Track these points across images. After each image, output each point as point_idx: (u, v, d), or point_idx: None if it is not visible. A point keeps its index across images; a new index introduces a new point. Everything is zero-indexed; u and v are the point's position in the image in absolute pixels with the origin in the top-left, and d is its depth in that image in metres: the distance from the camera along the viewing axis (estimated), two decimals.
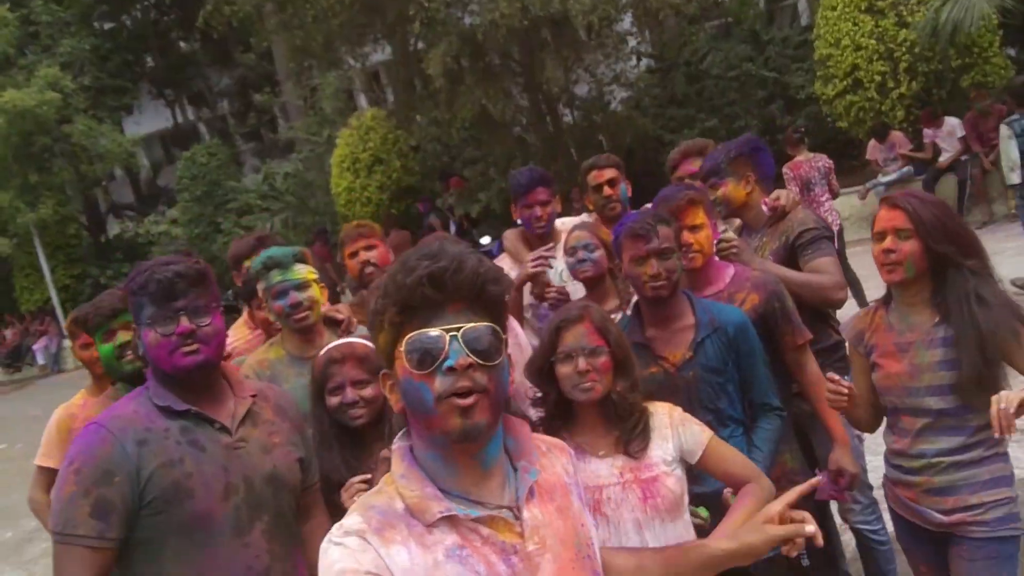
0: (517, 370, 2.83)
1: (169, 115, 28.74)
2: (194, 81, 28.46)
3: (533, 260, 3.64)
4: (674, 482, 2.42)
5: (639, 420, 2.46)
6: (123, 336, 3.19)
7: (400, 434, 1.56)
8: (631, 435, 2.44)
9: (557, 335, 2.47)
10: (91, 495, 2.12)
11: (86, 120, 22.02)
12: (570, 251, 3.53)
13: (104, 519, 2.12)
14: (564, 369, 2.44)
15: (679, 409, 2.53)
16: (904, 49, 12.68)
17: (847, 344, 2.94)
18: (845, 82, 13.23)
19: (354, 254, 3.87)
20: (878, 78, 12.87)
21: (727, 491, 2.62)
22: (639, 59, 17.35)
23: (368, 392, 2.58)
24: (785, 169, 10.95)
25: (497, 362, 1.46)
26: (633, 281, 2.89)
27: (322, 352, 2.70)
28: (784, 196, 3.49)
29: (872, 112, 13.06)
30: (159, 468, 2.18)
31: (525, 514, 1.50)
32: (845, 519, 3.66)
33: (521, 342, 3.31)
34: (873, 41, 12.84)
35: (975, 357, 2.49)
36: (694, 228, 3.05)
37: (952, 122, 12.21)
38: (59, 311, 22.00)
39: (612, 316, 3.28)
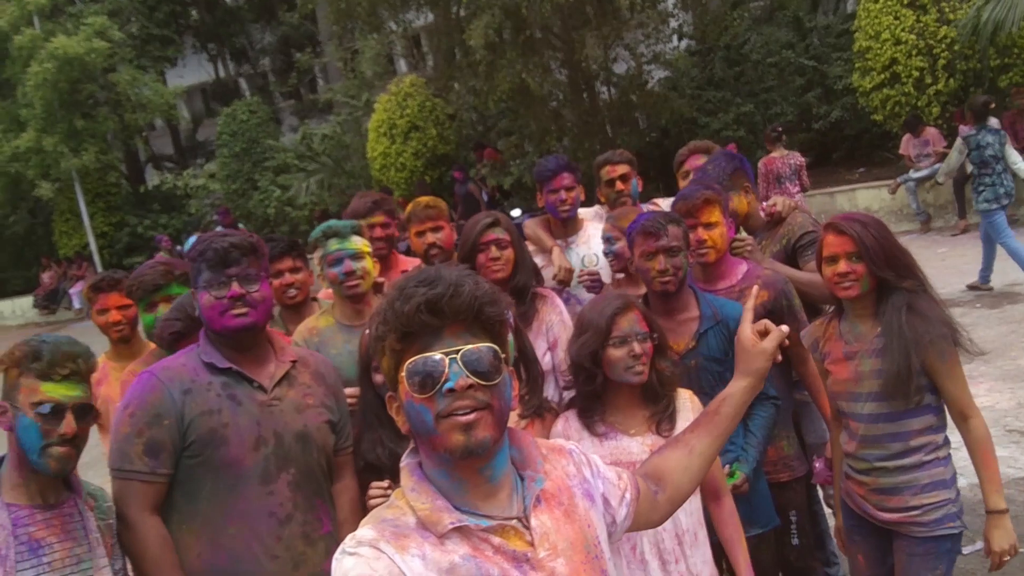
0: (561, 349, 3.23)
1: (211, 69, 29.07)
2: (237, 37, 28.71)
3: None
4: None
5: (670, 402, 2.68)
6: (164, 309, 3.23)
7: (409, 451, 1.60)
8: (663, 415, 2.65)
9: (612, 321, 2.63)
10: (143, 435, 2.44)
11: (131, 70, 22.36)
12: (606, 240, 3.79)
13: (155, 457, 2.44)
14: (617, 352, 2.61)
15: (696, 398, 2.74)
16: (944, 46, 12.68)
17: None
18: (883, 75, 13.24)
19: (421, 234, 3.95)
20: (916, 73, 12.87)
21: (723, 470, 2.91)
22: (680, 40, 17.36)
23: None
24: (760, 165, 11.59)
25: (497, 381, 1.49)
26: (643, 275, 3.10)
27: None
28: (780, 203, 3.70)
29: (908, 107, 13.08)
30: (199, 415, 2.49)
31: (534, 522, 1.54)
32: (828, 503, 3.89)
33: (565, 319, 3.48)
34: (913, 36, 12.84)
35: (899, 363, 2.71)
36: (709, 225, 3.25)
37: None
38: (96, 257, 22.50)
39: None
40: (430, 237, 3.92)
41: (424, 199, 4.19)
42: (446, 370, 1.46)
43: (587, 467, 1.74)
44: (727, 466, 2.92)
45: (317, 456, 2.66)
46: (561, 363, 3.47)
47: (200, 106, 30.45)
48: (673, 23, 16.38)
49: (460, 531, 1.49)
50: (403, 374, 1.49)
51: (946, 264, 10.76)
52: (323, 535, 2.60)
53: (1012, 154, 9.39)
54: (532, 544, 1.52)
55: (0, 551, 2.17)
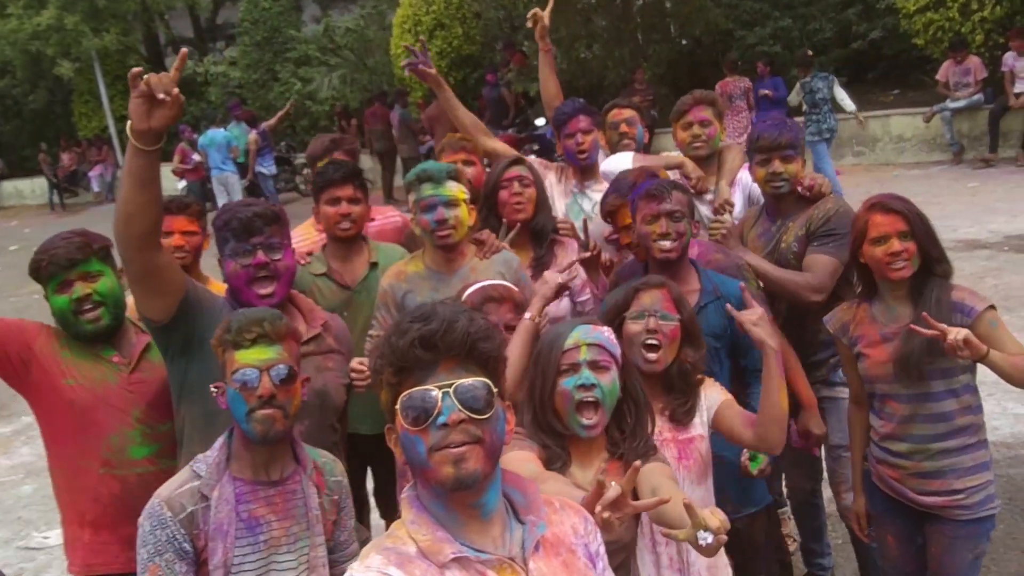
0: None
1: None
2: None
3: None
4: (705, 447, 2.60)
5: (691, 397, 2.61)
6: (81, 288, 2.77)
7: (409, 485, 1.63)
8: (680, 410, 2.59)
9: (634, 295, 2.60)
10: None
11: None
12: (607, 216, 3.59)
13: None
14: (633, 327, 2.56)
15: (710, 379, 2.70)
16: None
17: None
18: None
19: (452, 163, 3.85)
20: None
21: (744, 457, 2.89)
22: None
23: None
24: (717, 87, 12.88)
25: (489, 415, 1.52)
26: (643, 241, 3.01)
27: (477, 287, 2.76)
28: (821, 180, 3.44)
29: (951, 32, 12.61)
30: None
31: (532, 565, 1.56)
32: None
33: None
34: None
35: (917, 346, 2.69)
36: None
37: None
38: (116, 140, 22.40)
39: None
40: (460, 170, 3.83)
41: (459, 134, 4.14)
42: (439, 404, 1.48)
43: (596, 540, 1.73)
44: (745, 452, 2.88)
45: (331, 416, 2.78)
46: (584, 307, 3.47)
47: None
48: None
49: (460, 562, 1.52)
50: (398, 407, 1.52)
51: (976, 200, 10.57)
52: None
53: (839, 93, 12.36)
54: None
55: (222, 526, 2.21)
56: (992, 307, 2.75)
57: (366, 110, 17.09)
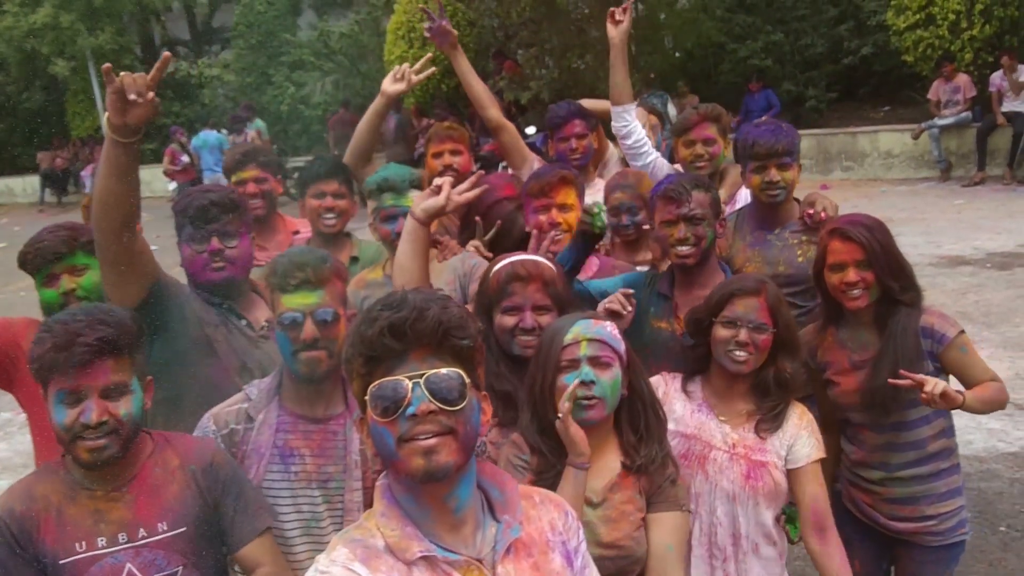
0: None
1: None
2: None
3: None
4: (780, 476, 2.46)
5: (782, 405, 2.49)
6: (68, 282, 2.86)
7: (384, 473, 1.59)
8: (766, 416, 2.48)
9: (728, 300, 2.46)
10: None
11: None
12: (612, 211, 3.53)
13: None
14: (723, 333, 2.44)
15: (810, 416, 2.55)
16: None
17: None
18: (918, 16, 12.84)
19: (439, 155, 3.88)
20: (952, 16, 12.47)
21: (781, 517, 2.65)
22: None
23: (547, 320, 2.42)
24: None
25: (462, 406, 1.47)
26: (661, 243, 2.92)
27: (502, 264, 2.52)
28: (828, 207, 3.24)
29: (941, 50, 12.70)
30: (203, 317, 2.66)
31: (500, 569, 1.52)
32: None
33: None
34: None
35: (882, 380, 2.62)
36: (564, 207, 3.07)
37: None
38: None
39: (641, 268, 3.36)
40: (448, 159, 3.86)
41: (446, 123, 4.10)
42: (408, 394, 1.44)
43: (576, 537, 1.69)
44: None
45: None
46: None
47: None
48: None
49: (427, 560, 1.48)
50: (367, 397, 1.48)
51: (961, 217, 10.64)
52: None
53: (672, 111, 12.55)
54: None
55: (259, 449, 2.29)
56: (962, 332, 2.70)
57: (331, 117, 17.10)
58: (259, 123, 16.67)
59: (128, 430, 2.02)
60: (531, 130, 13.65)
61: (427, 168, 3.94)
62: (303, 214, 3.59)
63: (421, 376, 1.45)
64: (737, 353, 2.43)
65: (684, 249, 2.80)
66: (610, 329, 2.22)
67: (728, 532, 2.47)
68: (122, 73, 2.22)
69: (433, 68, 3.77)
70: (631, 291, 2.66)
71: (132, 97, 2.19)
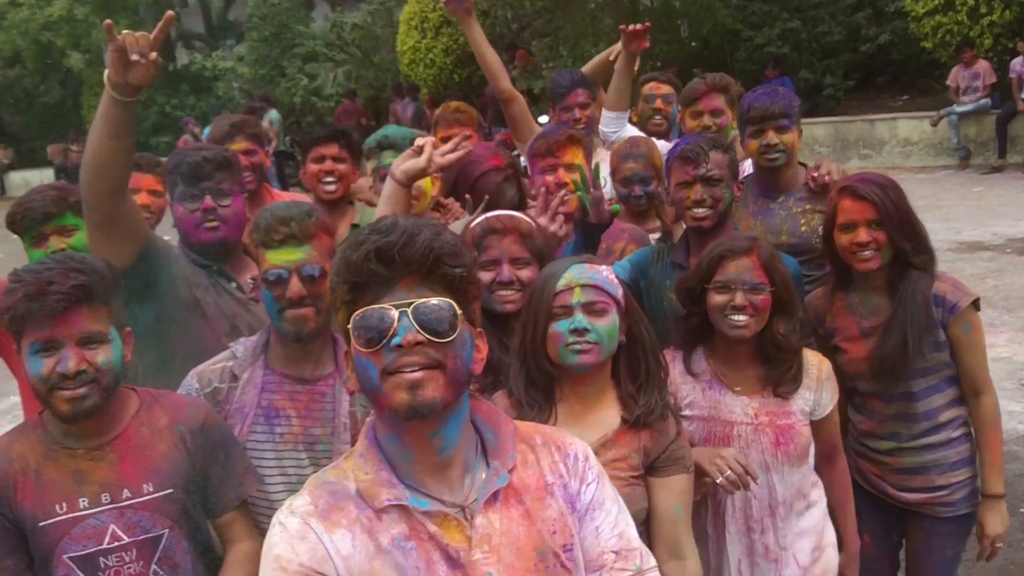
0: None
1: None
2: None
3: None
4: (807, 430, 2.39)
5: (792, 363, 2.38)
6: (57, 243, 2.83)
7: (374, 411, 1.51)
8: (784, 377, 2.37)
9: (718, 263, 2.33)
10: None
11: None
12: (624, 182, 3.42)
13: None
14: (718, 298, 2.32)
15: (828, 363, 2.46)
16: None
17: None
18: (937, 1, 12.61)
19: (447, 139, 3.78)
20: (971, 2, 12.26)
21: None
22: None
23: (526, 274, 2.36)
24: None
25: (451, 338, 1.38)
26: (677, 206, 2.81)
27: (478, 220, 2.45)
28: (834, 170, 3.10)
29: (959, 36, 12.50)
30: (192, 279, 2.60)
31: (477, 520, 1.42)
32: None
33: None
34: None
35: (895, 346, 2.54)
36: (571, 167, 2.95)
37: None
38: None
39: (652, 236, 3.27)
40: None
41: (454, 104, 3.98)
42: (394, 324, 1.35)
43: (579, 480, 1.55)
44: None
45: None
46: None
47: None
48: None
49: (400, 509, 1.40)
50: (351, 326, 1.39)
51: (981, 204, 10.48)
52: None
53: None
54: (469, 542, 1.41)
55: (244, 409, 2.21)
56: (975, 304, 2.59)
57: (336, 108, 17.06)
58: (273, 114, 16.68)
59: (108, 379, 1.93)
60: (544, 119, 13.58)
61: None
62: (306, 182, 3.49)
63: (408, 305, 1.36)
64: (735, 318, 2.31)
65: (701, 211, 2.68)
66: (606, 274, 2.09)
67: (765, 504, 2.37)
68: (124, 32, 2.15)
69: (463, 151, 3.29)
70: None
71: (134, 57, 2.12)
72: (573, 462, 1.55)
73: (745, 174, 3.53)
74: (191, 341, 2.51)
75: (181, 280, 2.58)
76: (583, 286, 2.05)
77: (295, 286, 2.15)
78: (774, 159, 3.10)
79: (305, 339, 2.21)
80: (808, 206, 3.10)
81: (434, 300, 1.37)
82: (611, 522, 1.54)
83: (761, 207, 3.21)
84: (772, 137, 3.06)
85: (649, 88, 4.19)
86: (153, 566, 1.99)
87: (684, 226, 2.94)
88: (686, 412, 2.40)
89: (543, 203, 2.68)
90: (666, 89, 4.18)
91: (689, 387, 2.45)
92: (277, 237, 2.16)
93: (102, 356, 1.91)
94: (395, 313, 1.35)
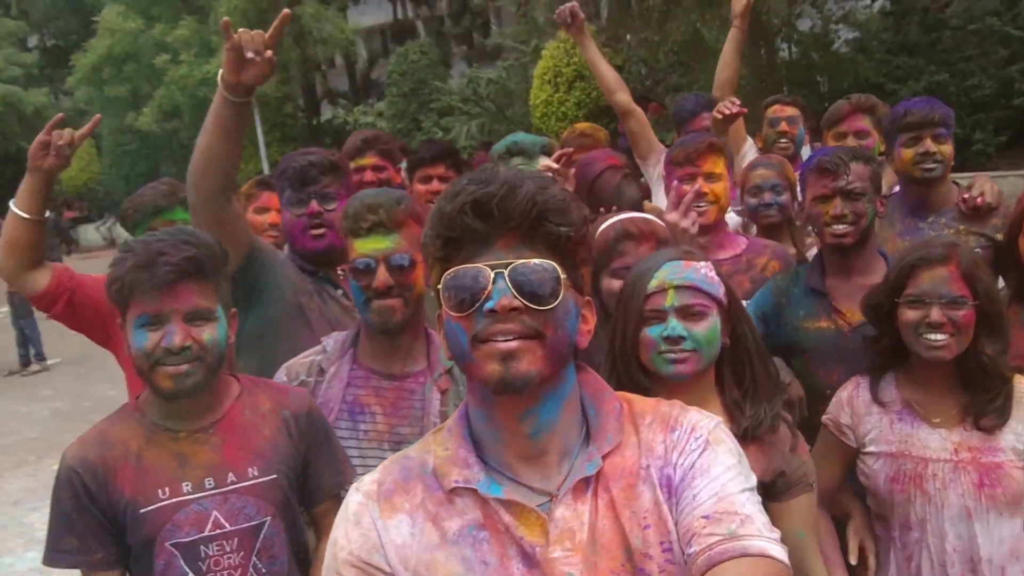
0: None
1: (390, 10, 29.60)
2: None
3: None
4: (1020, 475, 2.06)
5: (1001, 391, 2.08)
6: None
7: None
8: (988, 408, 2.07)
9: (910, 273, 2.07)
10: None
11: (315, 4, 23.05)
12: (753, 190, 3.28)
13: None
14: (911, 314, 2.06)
15: None
16: None
17: None
18: None
19: (573, 162, 3.77)
20: None
21: None
22: None
23: None
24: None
25: (553, 305, 1.21)
26: (814, 223, 2.59)
27: (610, 222, 2.31)
28: (988, 191, 2.88)
29: None
30: (297, 285, 2.58)
31: (558, 512, 1.24)
32: None
33: None
34: None
35: None
36: (711, 176, 2.76)
37: None
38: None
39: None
40: None
41: (581, 126, 3.95)
42: (488, 286, 1.20)
43: (674, 460, 1.28)
44: None
45: None
46: None
47: (377, 46, 31.13)
48: None
49: (473, 493, 1.26)
50: (441, 287, 1.25)
51: None
52: None
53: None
54: (547, 537, 1.23)
55: (328, 403, 2.17)
56: None
57: (474, 158, 17.34)
58: (404, 163, 17.14)
59: (213, 358, 1.88)
60: None
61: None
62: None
63: (506, 266, 1.20)
64: (932, 337, 2.04)
65: (841, 228, 2.46)
66: (704, 271, 1.88)
67: (965, 558, 2.05)
68: (240, 30, 2.17)
69: None
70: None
71: (249, 55, 2.14)
72: (678, 436, 1.30)
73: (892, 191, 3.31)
74: (294, 348, 2.46)
75: (287, 286, 2.57)
76: (678, 288, 1.85)
77: (382, 275, 2.07)
78: (930, 169, 2.88)
79: (392, 331, 2.13)
80: (961, 227, 2.88)
81: (535, 261, 1.21)
82: (714, 488, 1.24)
83: (909, 227, 2.97)
84: (930, 145, 2.85)
85: (773, 111, 4.04)
86: (253, 558, 1.91)
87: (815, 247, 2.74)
88: (870, 448, 2.16)
89: (675, 199, 2.51)
90: (790, 111, 4.02)
91: (875, 418, 2.19)
92: (365, 225, 2.09)
93: (208, 333, 1.87)
94: (490, 274, 1.20)
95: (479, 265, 1.21)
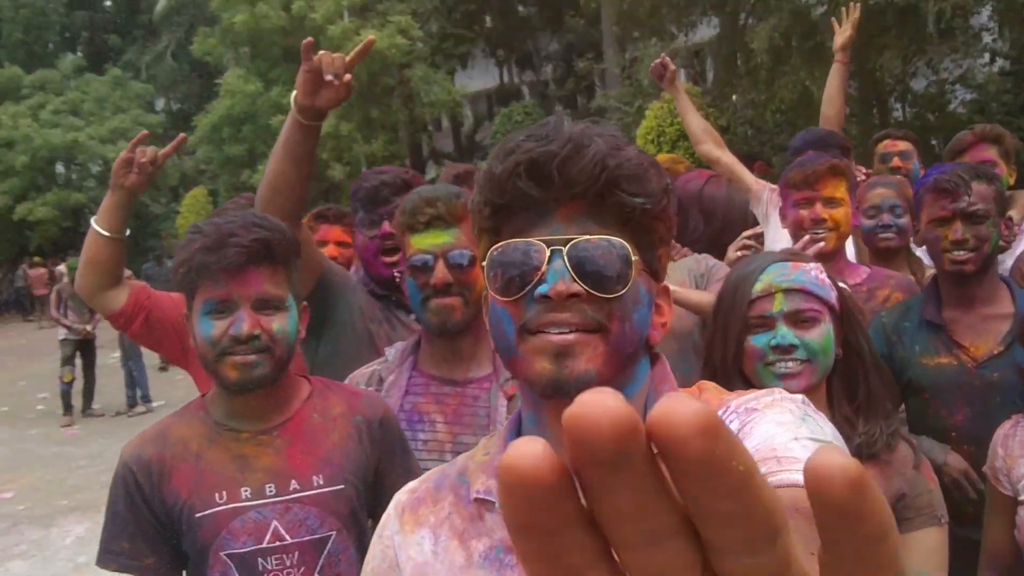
0: None
1: (497, 75, 30.28)
2: (525, 43, 29.72)
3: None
4: None
5: None
6: None
7: None
8: None
9: None
10: None
11: (424, 68, 23.81)
12: (871, 211, 3.07)
13: None
14: None
15: None
16: None
17: None
18: None
19: None
20: None
21: None
22: (993, 59, 15.62)
23: None
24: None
25: (620, 292, 0.97)
26: (930, 247, 2.37)
27: (738, 249, 2.30)
28: None
29: None
30: (367, 311, 2.54)
31: None
32: None
33: None
34: None
35: None
36: (831, 202, 2.56)
37: None
38: None
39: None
40: None
41: (662, 157, 3.89)
42: (543, 266, 0.95)
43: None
44: None
45: None
46: None
47: (483, 109, 31.84)
48: (987, 39, 14.76)
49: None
50: (485, 263, 1.02)
51: None
52: None
53: None
54: None
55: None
56: None
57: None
58: None
59: (282, 350, 1.74)
60: None
61: None
62: None
63: (565, 242, 0.95)
64: None
65: (961, 254, 2.24)
66: (815, 273, 1.70)
67: None
68: (321, 52, 2.12)
69: None
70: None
71: (328, 77, 2.08)
72: (732, 420, 1.07)
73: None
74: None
75: (357, 312, 2.51)
76: (786, 291, 1.66)
77: (440, 272, 1.94)
78: None
79: (452, 333, 1.99)
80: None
81: (601, 237, 0.96)
82: (754, 444, 0.95)
83: None
84: None
85: (884, 147, 3.85)
86: (316, 575, 1.73)
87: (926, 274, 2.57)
88: None
89: (793, 227, 2.37)
90: (903, 145, 3.81)
91: None
92: (422, 219, 1.96)
93: (277, 323, 1.73)
94: (545, 251, 0.96)
95: (532, 240, 0.97)
